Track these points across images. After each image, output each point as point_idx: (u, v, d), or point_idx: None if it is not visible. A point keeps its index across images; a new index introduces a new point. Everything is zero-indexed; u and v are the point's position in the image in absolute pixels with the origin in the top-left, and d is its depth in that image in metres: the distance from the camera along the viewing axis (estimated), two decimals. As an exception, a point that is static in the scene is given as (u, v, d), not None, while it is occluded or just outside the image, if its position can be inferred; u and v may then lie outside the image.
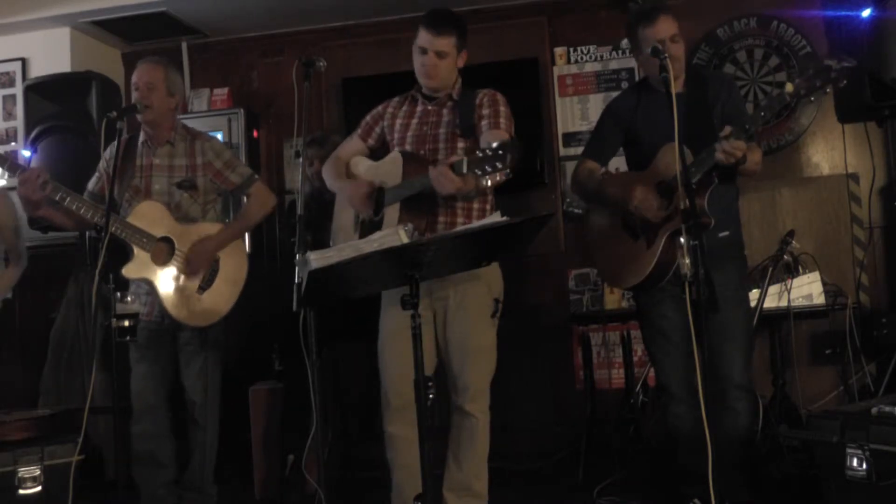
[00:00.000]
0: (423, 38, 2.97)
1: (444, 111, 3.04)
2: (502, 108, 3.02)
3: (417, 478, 2.91)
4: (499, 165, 2.46)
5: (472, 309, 2.94)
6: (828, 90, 2.65)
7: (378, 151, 3.18)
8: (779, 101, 2.73)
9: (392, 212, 2.90)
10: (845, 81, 2.63)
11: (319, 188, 4.01)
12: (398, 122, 3.10)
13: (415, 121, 3.06)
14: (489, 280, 2.97)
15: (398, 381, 2.88)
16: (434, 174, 2.67)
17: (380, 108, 3.18)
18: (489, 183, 2.51)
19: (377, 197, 2.98)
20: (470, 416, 2.90)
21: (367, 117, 3.20)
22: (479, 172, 2.50)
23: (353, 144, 3.22)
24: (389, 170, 2.97)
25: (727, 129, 2.75)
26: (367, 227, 2.96)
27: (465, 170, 2.56)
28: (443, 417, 3.21)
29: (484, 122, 2.96)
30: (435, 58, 2.96)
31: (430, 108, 3.06)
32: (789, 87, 2.66)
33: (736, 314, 2.96)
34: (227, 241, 3.43)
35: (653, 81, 3.10)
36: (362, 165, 3.15)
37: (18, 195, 3.20)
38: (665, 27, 2.96)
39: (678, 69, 2.93)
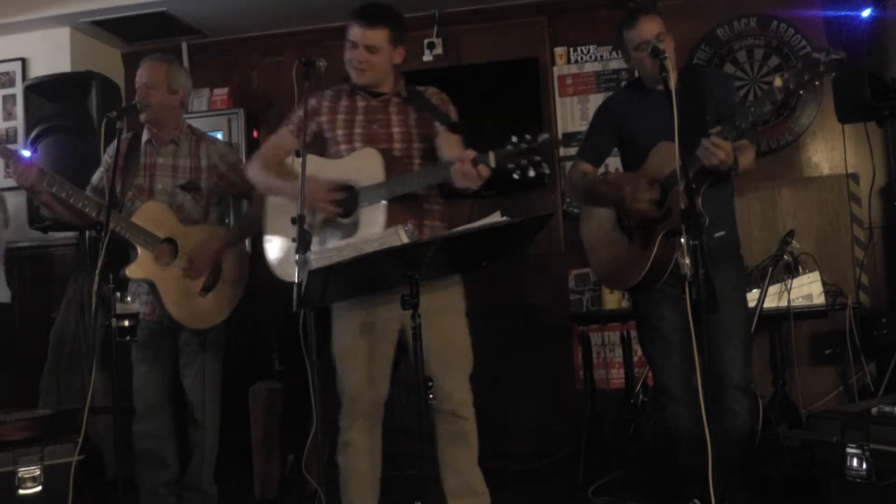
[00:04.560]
0: (353, 31, 2.84)
1: (392, 108, 2.93)
2: (451, 108, 2.96)
3: (372, 487, 2.94)
4: (537, 159, 2.42)
5: (447, 311, 2.87)
6: (818, 83, 2.64)
7: (311, 149, 2.94)
8: (769, 97, 2.71)
9: (373, 212, 2.77)
10: (834, 73, 2.62)
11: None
12: (339, 117, 2.94)
13: (360, 117, 2.91)
14: (457, 280, 2.92)
15: (362, 389, 2.86)
16: (459, 170, 2.58)
17: (313, 101, 2.96)
18: (518, 177, 2.47)
19: (346, 197, 2.85)
20: (462, 420, 2.85)
21: (300, 111, 2.93)
22: (513, 166, 2.45)
23: (283, 141, 2.99)
24: (362, 167, 2.81)
25: (716, 129, 2.74)
26: (341, 227, 2.85)
27: (492, 164, 2.52)
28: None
29: (437, 124, 2.89)
30: (365, 52, 2.82)
31: (374, 104, 2.93)
32: (778, 82, 2.65)
33: (735, 314, 2.95)
34: (231, 245, 3.43)
35: (645, 81, 3.09)
36: (309, 163, 2.92)
37: (17, 183, 3.19)
38: (647, 28, 2.94)
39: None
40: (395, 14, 2.89)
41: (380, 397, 2.91)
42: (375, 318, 2.85)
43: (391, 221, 2.74)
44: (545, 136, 2.46)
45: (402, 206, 2.80)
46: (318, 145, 3.00)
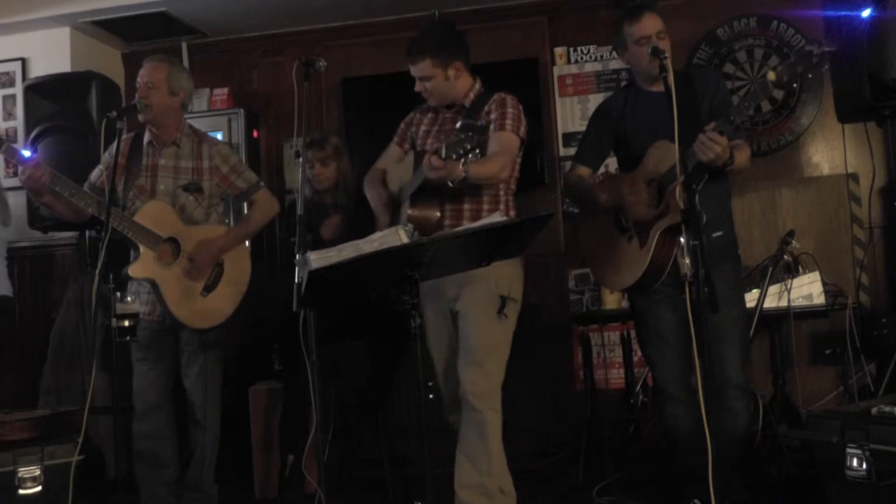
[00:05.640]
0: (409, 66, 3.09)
1: (458, 119, 3.09)
2: (509, 110, 3.05)
3: None
4: (467, 146, 2.54)
5: (474, 308, 2.97)
6: (810, 76, 2.65)
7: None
8: (763, 91, 2.72)
9: (403, 209, 2.99)
10: (827, 66, 2.62)
11: (320, 190, 4.00)
12: (422, 128, 3.21)
13: (435, 128, 3.17)
14: (493, 277, 2.97)
15: (440, 378, 3.05)
16: (423, 161, 2.76)
17: (412, 113, 3.29)
18: (464, 167, 2.64)
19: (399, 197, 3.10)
20: (477, 413, 2.92)
21: (402, 123, 3.31)
22: (454, 156, 2.59)
23: (390, 151, 3.32)
24: (407, 168, 3.12)
25: (711, 125, 2.74)
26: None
27: (443, 155, 2.64)
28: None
29: (490, 126, 2.99)
30: (420, 83, 3.09)
31: (447, 115, 3.16)
32: (772, 76, 2.65)
33: (733, 314, 2.95)
34: (232, 245, 3.44)
35: (639, 80, 3.10)
36: (395, 171, 3.28)
37: (20, 182, 3.20)
38: (650, 23, 2.97)
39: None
40: (433, 41, 3.06)
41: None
42: (439, 309, 3.04)
43: (412, 219, 2.93)
44: (464, 121, 2.66)
45: (421, 204, 2.97)
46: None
